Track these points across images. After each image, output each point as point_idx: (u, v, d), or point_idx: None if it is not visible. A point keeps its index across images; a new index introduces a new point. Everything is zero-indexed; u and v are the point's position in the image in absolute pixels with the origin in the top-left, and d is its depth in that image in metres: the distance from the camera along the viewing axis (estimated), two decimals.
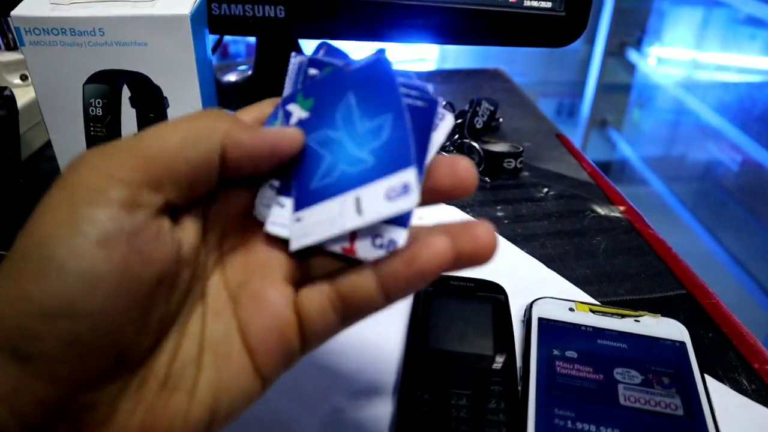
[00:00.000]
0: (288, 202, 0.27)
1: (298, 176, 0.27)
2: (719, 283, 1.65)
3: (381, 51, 0.27)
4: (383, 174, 0.25)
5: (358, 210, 0.24)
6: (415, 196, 0.24)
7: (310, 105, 0.27)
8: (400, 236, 0.24)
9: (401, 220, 0.24)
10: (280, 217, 0.26)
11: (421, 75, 0.92)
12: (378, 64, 0.26)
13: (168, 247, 0.22)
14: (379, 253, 0.24)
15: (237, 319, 0.25)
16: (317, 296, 0.25)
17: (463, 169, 0.25)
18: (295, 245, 0.26)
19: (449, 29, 0.59)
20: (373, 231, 0.25)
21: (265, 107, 0.28)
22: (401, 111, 0.25)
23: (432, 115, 0.26)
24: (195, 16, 0.45)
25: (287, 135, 0.26)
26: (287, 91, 0.28)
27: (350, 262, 0.25)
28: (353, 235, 0.25)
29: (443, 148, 0.65)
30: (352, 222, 0.24)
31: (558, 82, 2.57)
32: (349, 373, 0.39)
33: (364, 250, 0.25)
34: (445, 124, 0.26)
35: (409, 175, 0.24)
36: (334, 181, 0.26)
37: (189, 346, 0.24)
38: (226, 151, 0.24)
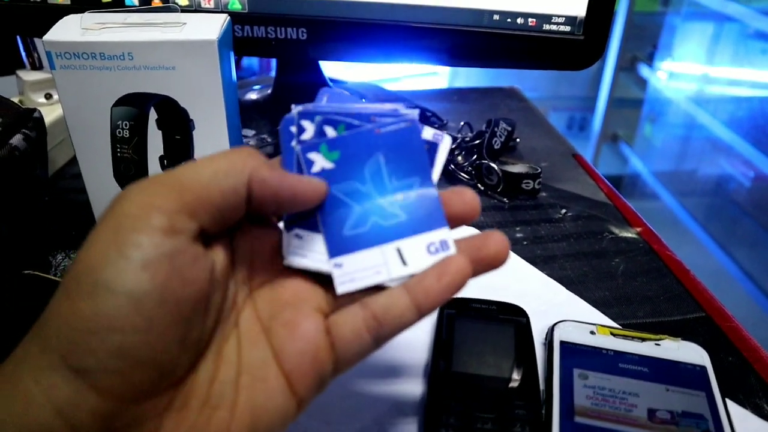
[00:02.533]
0: (305, 234, 0.29)
1: (327, 222, 0.29)
2: (733, 299, 1.64)
3: (413, 119, 0.29)
4: (420, 230, 0.28)
5: (403, 261, 0.28)
6: (453, 250, 0.28)
7: (336, 158, 0.29)
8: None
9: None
10: (298, 247, 0.28)
11: (437, 93, 0.93)
12: (408, 131, 0.29)
13: (203, 269, 0.24)
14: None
15: (272, 346, 0.27)
16: (351, 319, 0.27)
17: (470, 197, 0.29)
18: (342, 290, 0.28)
19: (468, 51, 0.60)
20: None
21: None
22: (428, 174, 0.29)
23: (417, 131, 0.29)
24: (222, 40, 0.46)
25: (312, 184, 0.27)
26: (287, 137, 0.30)
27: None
28: None
29: (463, 170, 0.65)
30: (399, 271, 0.28)
31: (569, 97, 2.57)
32: (374, 396, 0.40)
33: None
34: (444, 146, 0.29)
35: (446, 233, 0.28)
36: (369, 231, 0.28)
37: (227, 370, 0.26)
38: (252, 185, 0.25)
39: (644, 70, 2.29)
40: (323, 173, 0.29)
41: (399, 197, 0.29)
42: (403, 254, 0.28)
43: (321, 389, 0.27)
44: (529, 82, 2.36)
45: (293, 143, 0.29)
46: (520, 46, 0.59)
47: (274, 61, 0.78)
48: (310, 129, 0.30)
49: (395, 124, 0.29)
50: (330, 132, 0.29)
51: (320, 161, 0.29)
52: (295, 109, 0.30)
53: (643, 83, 2.32)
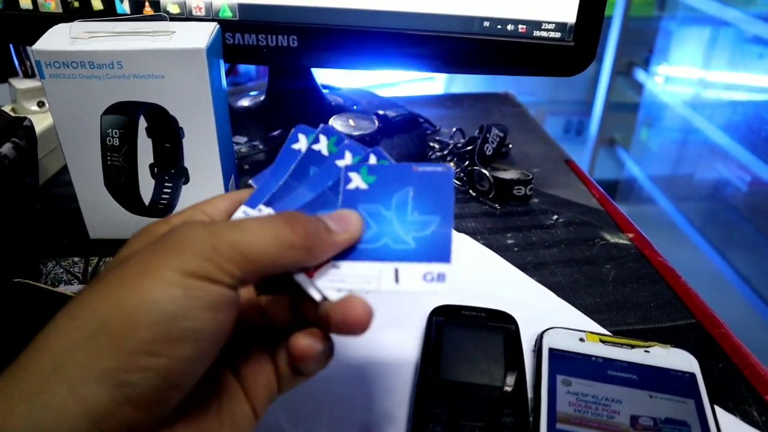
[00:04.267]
0: (250, 211, 0.31)
1: None
2: (729, 303, 1.64)
3: (449, 167, 0.32)
4: (424, 259, 0.29)
5: (396, 279, 0.29)
6: (447, 285, 0.29)
7: (372, 181, 0.32)
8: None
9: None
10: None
11: (430, 99, 0.93)
12: (443, 175, 0.31)
13: (235, 312, 0.26)
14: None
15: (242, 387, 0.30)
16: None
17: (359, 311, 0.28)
18: (328, 286, 0.29)
19: (459, 58, 0.60)
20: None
21: (238, 196, 0.32)
22: (449, 217, 0.30)
23: (450, 178, 0.31)
24: (211, 49, 0.46)
25: (355, 233, 0.30)
26: (284, 146, 0.33)
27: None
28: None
29: (455, 176, 0.65)
30: (387, 286, 0.29)
31: (566, 102, 2.57)
32: (361, 405, 0.40)
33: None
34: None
35: (448, 268, 0.29)
36: (377, 249, 0.30)
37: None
38: (307, 263, 0.28)
39: (640, 75, 2.30)
40: (356, 191, 0.32)
41: (415, 228, 0.30)
42: (399, 274, 0.29)
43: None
44: (526, 87, 2.37)
45: (340, 162, 0.32)
46: (511, 52, 0.59)
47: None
48: (303, 141, 0.33)
49: (432, 167, 0.32)
50: (373, 160, 0.32)
51: (357, 181, 0.32)
52: (322, 125, 0.34)
53: (639, 87, 2.32)
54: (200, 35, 0.46)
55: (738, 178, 1.85)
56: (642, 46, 2.28)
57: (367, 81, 1.91)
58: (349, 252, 0.30)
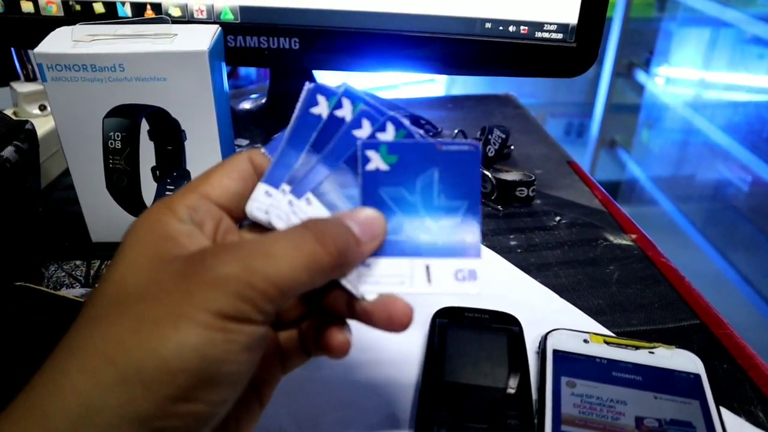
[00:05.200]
0: (274, 192, 0.29)
1: None
2: (731, 304, 1.64)
3: (476, 144, 0.29)
4: (454, 254, 0.29)
5: (429, 279, 0.28)
6: (479, 284, 0.28)
7: (393, 161, 0.29)
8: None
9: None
10: (264, 204, 0.29)
11: (432, 101, 0.93)
12: (470, 154, 0.29)
13: (267, 344, 0.27)
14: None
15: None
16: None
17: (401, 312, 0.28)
18: (363, 289, 0.28)
19: (461, 60, 0.60)
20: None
21: (240, 167, 0.30)
22: (477, 202, 0.29)
23: (478, 157, 0.29)
24: (213, 51, 0.46)
25: (379, 239, 0.29)
26: (298, 109, 0.30)
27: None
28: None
29: None
30: (421, 288, 0.28)
31: (567, 103, 2.57)
32: (366, 407, 0.39)
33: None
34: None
35: (478, 264, 0.29)
36: (404, 241, 0.29)
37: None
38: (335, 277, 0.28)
39: (641, 76, 2.30)
40: (377, 173, 0.29)
41: (442, 215, 0.29)
42: (430, 272, 0.29)
43: None
44: (527, 89, 2.37)
45: (357, 133, 0.29)
46: (513, 53, 0.59)
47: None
48: (323, 104, 0.30)
49: (458, 145, 0.29)
50: (390, 130, 0.29)
51: (377, 161, 0.29)
52: (344, 85, 0.30)
53: (640, 89, 2.32)
54: (202, 38, 0.46)
55: (739, 179, 1.85)
56: (642, 48, 2.28)
57: (368, 83, 1.91)
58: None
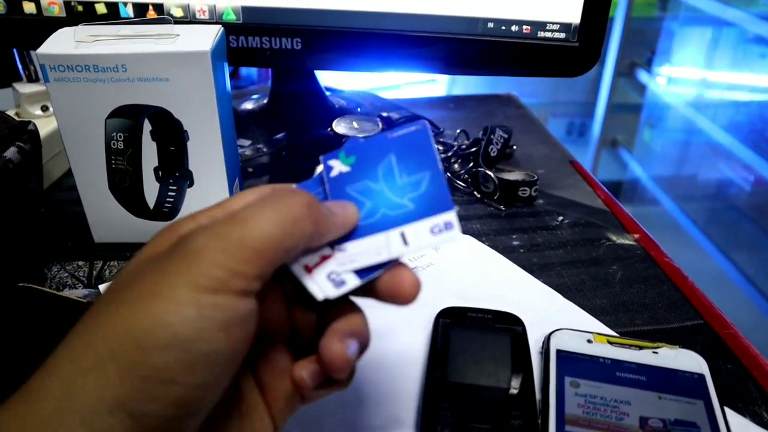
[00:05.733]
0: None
1: None
2: (733, 303, 1.64)
3: (422, 122, 0.31)
4: (426, 215, 0.30)
5: (405, 242, 0.29)
6: (458, 231, 0.29)
7: (352, 161, 0.31)
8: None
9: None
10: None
11: (434, 101, 0.93)
12: (419, 133, 0.31)
13: (253, 327, 0.25)
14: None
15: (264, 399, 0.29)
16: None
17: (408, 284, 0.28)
18: (341, 268, 0.29)
19: (463, 59, 0.60)
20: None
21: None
22: (438, 170, 0.30)
23: (426, 132, 0.31)
24: (215, 51, 0.46)
25: (353, 217, 0.29)
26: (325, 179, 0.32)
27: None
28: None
29: (459, 177, 0.65)
30: (398, 250, 0.29)
31: (568, 103, 2.57)
32: (370, 407, 0.39)
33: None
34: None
35: (451, 215, 0.29)
36: (377, 221, 0.30)
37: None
38: (312, 239, 0.27)
39: (643, 76, 2.29)
40: (340, 176, 0.31)
41: (408, 191, 0.30)
42: (406, 237, 0.29)
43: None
44: (528, 88, 2.37)
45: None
46: (515, 53, 0.59)
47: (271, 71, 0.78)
48: (337, 163, 0.32)
49: (406, 128, 0.31)
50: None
51: (338, 166, 0.31)
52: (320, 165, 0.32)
53: (641, 88, 2.32)
54: (204, 38, 0.46)
55: (741, 178, 1.85)
56: (644, 47, 2.28)
57: (370, 83, 1.91)
58: (351, 235, 0.30)
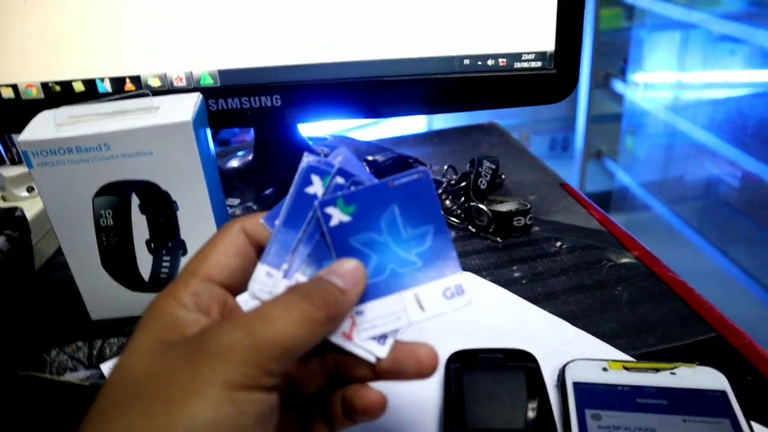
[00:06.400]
0: (275, 272, 0.30)
1: None
2: (735, 300, 1.63)
3: (425, 171, 0.31)
4: (437, 276, 0.30)
5: (421, 307, 0.30)
6: (468, 296, 0.30)
7: (352, 211, 0.30)
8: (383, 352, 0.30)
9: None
10: (267, 285, 0.30)
11: (418, 137, 0.93)
12: (421, 182, 0.30)
13: (278, 414, 0.26)
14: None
15: None
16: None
17: (426, 357, 0.30)
18: (365, 335, 0.30)
19: (444, 97, 0.60)
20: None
21: (236, 243, 0.30)
22: (442, 222, 0.30)
23: (429, 182, 0.30)
24: (196, 119, 0.46)
25: (363, 283, 0.30)
26: (294, 188, 0.31)
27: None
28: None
29: (452, 214, 0.65)
30: (417, 317, 0.30)
31: (549, 120, 2.60)
32: None
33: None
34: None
35: (460, 278, 0.30)
36: (387, 279, 0.30)
37: None
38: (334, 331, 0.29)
39: (618, 85, 2.32)
40: (340, 226, 0.30)
41: (413, 245, 0.30)
42: (420, 300, 0.30)
43: None
44: (507, 111, 2.38)
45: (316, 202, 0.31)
46: (494, 86, 0.59)
47: None
48: (318, 185, 0.31)
49: (408, 176, 0.30)
50: (339, 180, 0.31)
51: (337, 215, 0.30)
52: (306, 158, 0.31)
53: (618, 98, 2.34)
54: (185, 108, 0.46)
55: (729, 175, 1.86)
56: (616, 57, 2.31)
57: (347, 123, 1.92)
58: (364, 296, 0.30)
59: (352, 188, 0.30)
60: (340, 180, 0.31)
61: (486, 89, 0.59)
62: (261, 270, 0.30)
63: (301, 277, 0.30)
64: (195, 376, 0.23)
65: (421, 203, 0.30)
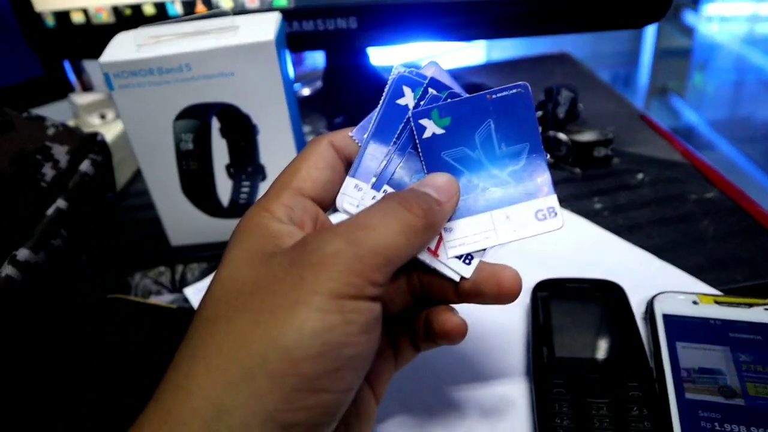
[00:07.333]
0: (364, 185, 0.29)
1: None
2: None
3: (524, 85, 0.29)
4: (529, 197, 0.29)
5: (511, 227, 0.29)
6: (561, 219, 0.29)
7: (447, 123, 0.29)
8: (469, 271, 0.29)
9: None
10: (356, 198, 0.29)
11: (489, 66, 0.90)
12: (521, 96, 0.29)
13: (381, 325, 0.26)
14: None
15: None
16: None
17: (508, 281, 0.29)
18: (452, 253, 0.29)
19: (526, 21, 0.58)
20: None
21: (325, 155, 0.30)
22: (538, 140, 0.29)
23: (529, 97, 0.29)
24: (278, 40, 0.45)
25: (456, 198, 0.29)
26: (384, 100, 0.30)
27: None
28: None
29: None
30: (507, 236, 0.29)
31: (611, 54, 2.49)
32: (475, 389, 0.38)
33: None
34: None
35: (554, 201, 0.29)
36: (477, 197, 0.29)
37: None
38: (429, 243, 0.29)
39: (690, 17, 2.20)
40: (433, 138, 0.29)
41: (507, 162, 0.29)
42: (511, 220, 0.29)
43: None
44: (566, 44, 2.30)
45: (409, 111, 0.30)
46: (576, 8, 0.56)
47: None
48: (409, 96, 0.30)
49: (507, 90, 0.29)
50: (432, 91, 0.30)
51: (431, 127, 0.29)
52: (397, 69, 0.30)
53: (689, 31, 2.22)
54: (266, 27, 0.45)
55: None
56: None
57: (406, 56, 1.88)
58: (453, 212, 0.29)
59: (448, 100, 0.29)
60: (433, 92, 0.30)
61: (569, 11, 0.56)
62: (349, 183, 0.29)
63: (390, 191, 0.29)
64: (300, 285, 0.23)
65: (519, 119, 0.29)
